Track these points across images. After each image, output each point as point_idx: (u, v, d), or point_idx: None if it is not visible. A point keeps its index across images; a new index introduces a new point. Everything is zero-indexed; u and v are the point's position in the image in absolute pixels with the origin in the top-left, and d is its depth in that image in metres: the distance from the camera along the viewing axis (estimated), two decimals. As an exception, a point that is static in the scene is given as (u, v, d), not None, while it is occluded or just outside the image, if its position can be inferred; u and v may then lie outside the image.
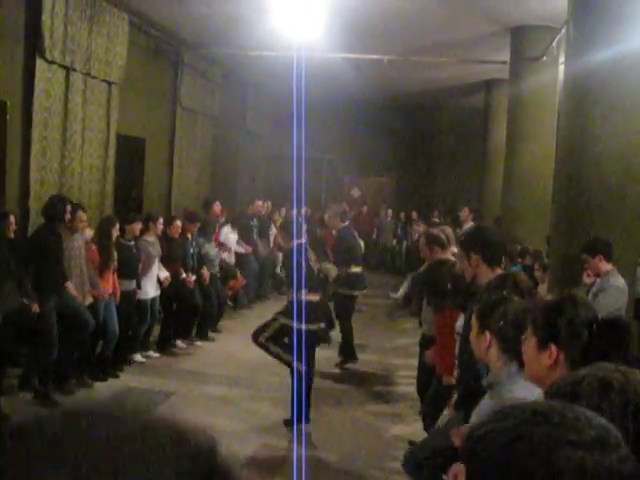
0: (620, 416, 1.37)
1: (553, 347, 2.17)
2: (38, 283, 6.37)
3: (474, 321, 2.92)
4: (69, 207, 6.79)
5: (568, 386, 1.47)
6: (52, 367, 6.63)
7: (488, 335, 2.80)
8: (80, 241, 7.05)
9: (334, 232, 8.78)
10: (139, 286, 7.91)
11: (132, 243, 7.81)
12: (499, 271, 3.80)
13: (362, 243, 9.18)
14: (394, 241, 17.81)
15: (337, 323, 8.22)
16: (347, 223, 8.68)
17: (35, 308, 6.23)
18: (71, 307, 6.66)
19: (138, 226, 7.82)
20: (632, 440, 1.28)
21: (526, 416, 1.02)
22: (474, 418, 2.78)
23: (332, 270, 7.60)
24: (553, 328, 2.18)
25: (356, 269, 8.50)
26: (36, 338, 6.48)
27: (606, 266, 5.52)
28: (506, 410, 1.07)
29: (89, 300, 6.99)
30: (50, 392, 6.57)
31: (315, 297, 6.46)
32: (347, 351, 8.53)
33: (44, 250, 6.47)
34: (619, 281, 5.51)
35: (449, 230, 7.07)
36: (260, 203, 12.84)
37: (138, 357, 8.24)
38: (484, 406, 2.77)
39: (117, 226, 7.45)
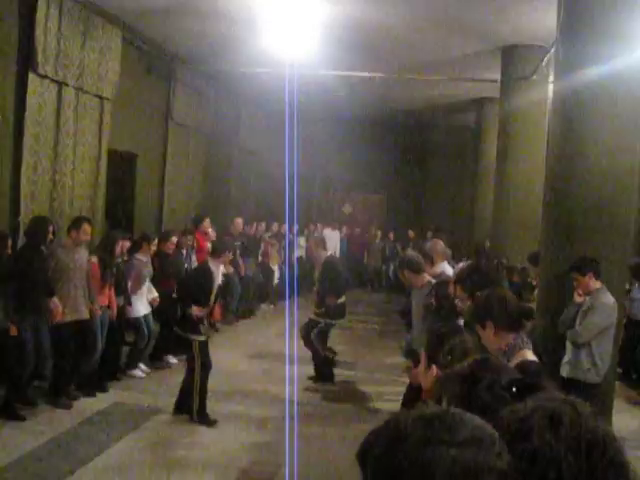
0: (573, 453, 1.27)
1: None
2: (19, 302, 6.35)
3: (422, 353, 2.79)
4: (51, 228, 6.79)
5: (516, 423, 1.36)
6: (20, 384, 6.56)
7: (435, 370, 2.66)
8: (84, 254, 7.06)
9: (320, 262, 8.71)
10: (128, 302, 7.92)
11: (120, 260, 7.85)
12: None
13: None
14: (381, 264, 17.95)
15: (321, 349, 8.29)
16: (330, 252, 8.71)
17: (13, 331, 6.20)
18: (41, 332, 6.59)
19: (126, 244, 7.80)
20: (586, 478, 1.24)
21: (409, 421, 1.12)
22: None
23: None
24: (471, 399, 1.97)
25: (342, 299, 8.45)
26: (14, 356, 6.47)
27: (595, 284, 5.53)
28: (394, 417, 1.15)
29: (86, 315, 6.98)
30: (16, 410, 6.43)
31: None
32: (326, 372, 8.46)
33: (24, 271, 6.44)
34: (608, 299, 5.51)
35: (440, 244, 7.08)
36: (240, 221, 12.78)
37: (138, 372, 8.24)
38: None
39: (121, 243, 7.49)
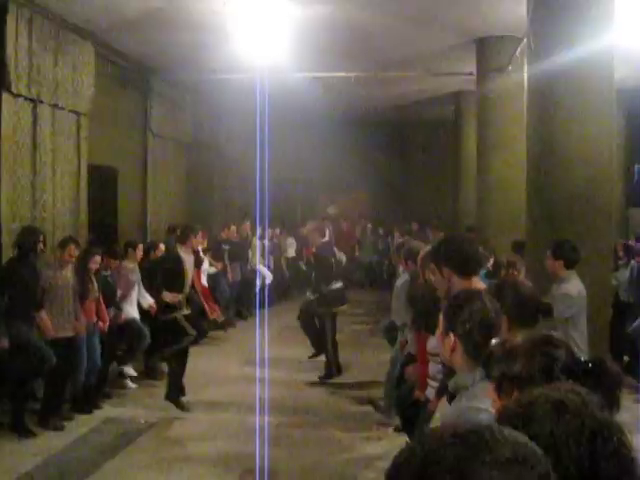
0: (575, 440, 1.26)
1: None
2: (9, 314, 6.30)
3: (441, 320, 2.66)
4: (41, 237, 6.77)
5: (520, 409, 1.35)
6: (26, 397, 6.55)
7: (452, 337, 2.57)
8: (69, 273, 7.02)
9: (313, 249, 8.90)
10: (119, 309, 7.94)
11: (108, 272, 7.81)
12: (475, 280, 3.46)
13: (343, 257, 9.45)
14: (375, 257, 17.91)
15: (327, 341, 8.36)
16: (327, 239, 8.78)
17: (4, 344, 6.15)
18: (33, 340, 6.57)
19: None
20: (587, 466, 1.25)
21: (444, 439, 1.03)
22: (438, 420, 2.61)
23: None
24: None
25: (336, 285, 8.61)
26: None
27: (563, 272, 5.37)
28: (428, 433, 1.07)
29: (70, 332, 6.92)
30: (27, 423, 6.47)
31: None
32: (332, 367, 8.57)
33: (15, 281, 6.40)
34: (571, 288, 5.29)
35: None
36: (234, 228, 12.83)
37: (130, 370, 8.27)
38: (449, 410, 2.57)
39: (95, 258, 7.43)
